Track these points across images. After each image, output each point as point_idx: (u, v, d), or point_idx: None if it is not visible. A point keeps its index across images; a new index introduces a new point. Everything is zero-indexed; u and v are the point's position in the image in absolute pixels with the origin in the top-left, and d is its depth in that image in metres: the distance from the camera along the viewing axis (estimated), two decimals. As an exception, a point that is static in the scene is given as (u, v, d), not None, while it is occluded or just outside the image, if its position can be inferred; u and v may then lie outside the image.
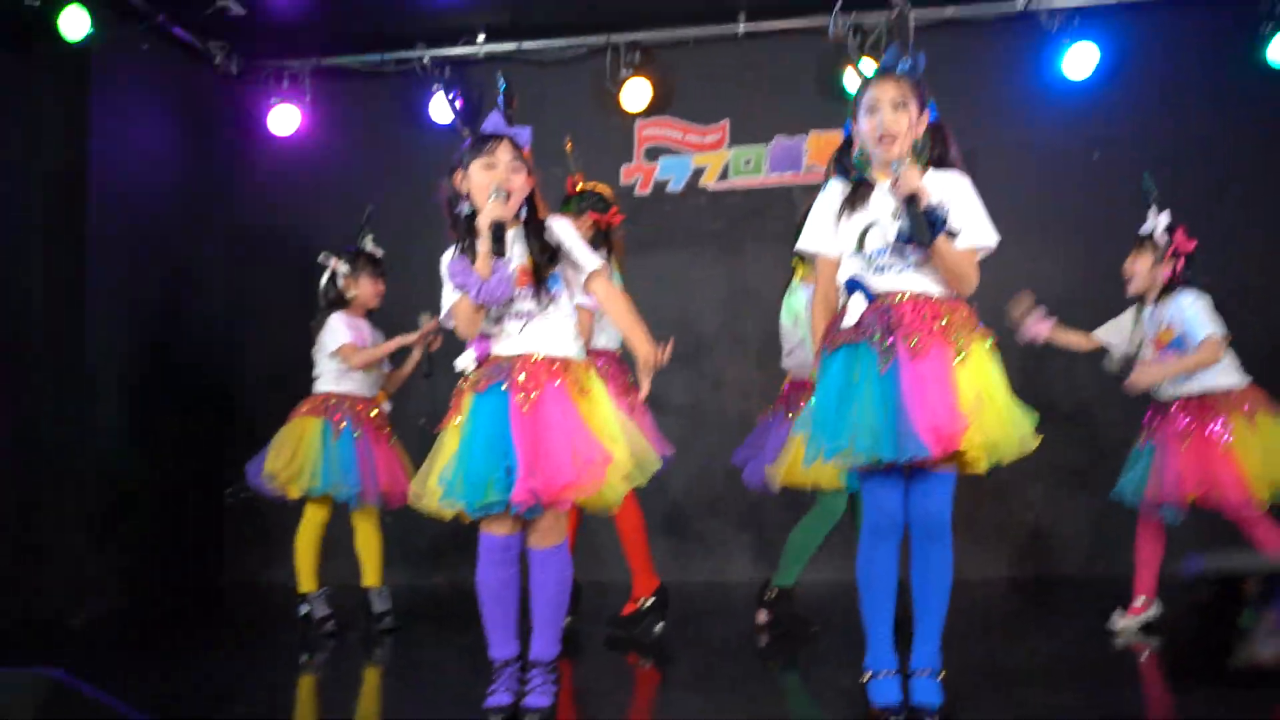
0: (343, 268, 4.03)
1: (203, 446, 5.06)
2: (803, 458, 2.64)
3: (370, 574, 4.03)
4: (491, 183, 2.62)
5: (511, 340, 2.67)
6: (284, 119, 5.24)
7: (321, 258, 4.07)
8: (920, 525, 2.54)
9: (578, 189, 3.79)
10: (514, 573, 2.70)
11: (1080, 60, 4.73)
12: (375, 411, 4.00)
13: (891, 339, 2.48)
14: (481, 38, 5.18)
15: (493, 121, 2.73)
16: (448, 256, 2.68)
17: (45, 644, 3.82)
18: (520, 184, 2.67)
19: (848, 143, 2.68)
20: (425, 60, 5.18)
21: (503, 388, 2.62)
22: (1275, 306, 4.38)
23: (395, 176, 5.31)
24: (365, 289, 4.03)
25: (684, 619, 4.06)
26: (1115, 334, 3.70)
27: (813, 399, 2.59)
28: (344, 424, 3.90)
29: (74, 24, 4.17)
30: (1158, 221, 3.56)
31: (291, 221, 5.04)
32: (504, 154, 2.66)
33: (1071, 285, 4.76)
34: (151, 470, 4.70)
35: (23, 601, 4.10)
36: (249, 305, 5.28)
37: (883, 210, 2.56)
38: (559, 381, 2.61)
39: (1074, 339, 3.76)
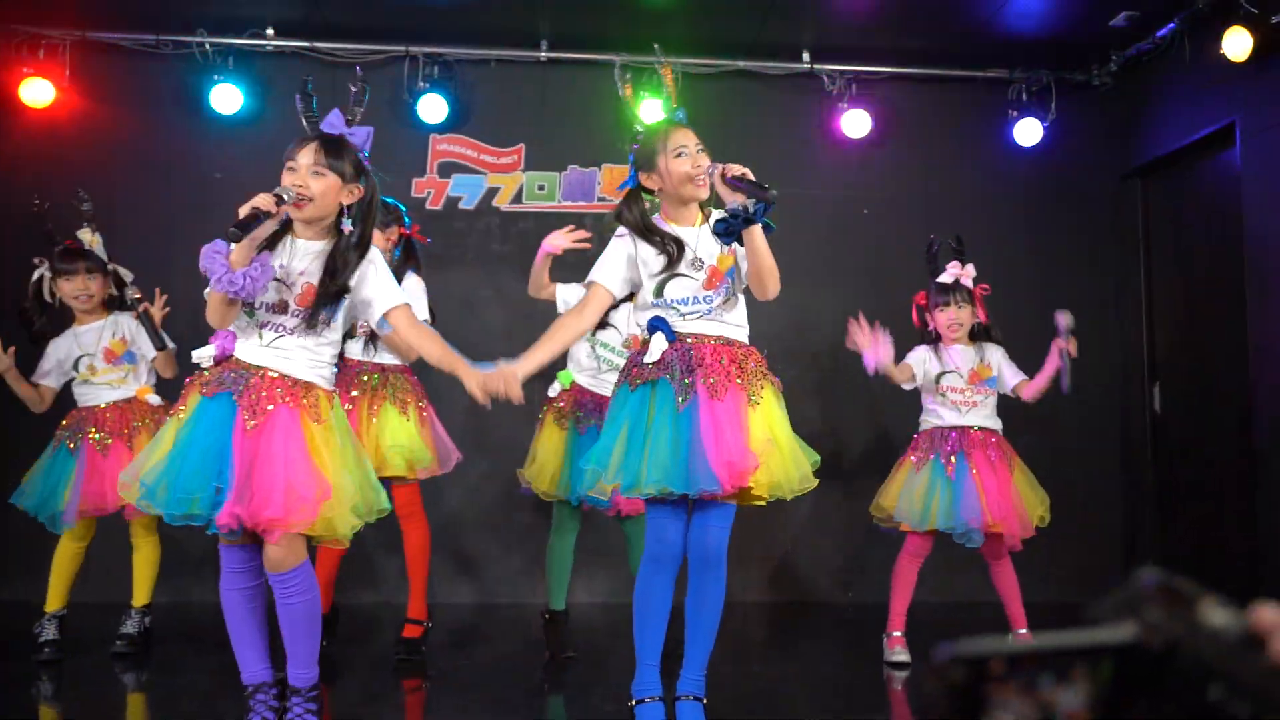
0: (47, 271, 3.71)
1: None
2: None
3: (136, 591, 3.75)
4: (289, 185, 2.52)
5: (257, 349, 2.53)
6: (36, 91, 4.77)
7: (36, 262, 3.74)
8: (699, 555, 2.62)
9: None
10: (258, 585, 2.57)
11: (855, 122, 5.08)
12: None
13: (691, 378, 2.56)
14: (270, 31, 4.93)
15: (330, 120, 2.65)
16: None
17: None
18: (319, 190, 2.54)
19: (635, 193, 2.73)
20: (206, 46, 4.88)
21: (233, 399, 2.48)
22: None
23: (160, 164, 4.96)
24: (63, 289, 3.69)
25: (455, 642, 3.99)
26: (919, 368, 3.83)
27: (604, 431, 2.64)
28: (81, 439, 3.60)
29: None
30: (966, 270, 3.80)
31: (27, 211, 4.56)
32: (306, 156, 2.56)
33: (840, 329, 5.09)
34: None
35: None
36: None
37: (682, 261, 2.65)
38: (293, 405, 2.49)
39: (896, 371, 3.79)
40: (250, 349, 2.55)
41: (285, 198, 2.48)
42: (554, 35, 5.03)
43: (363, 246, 2.61)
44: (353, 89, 2.78)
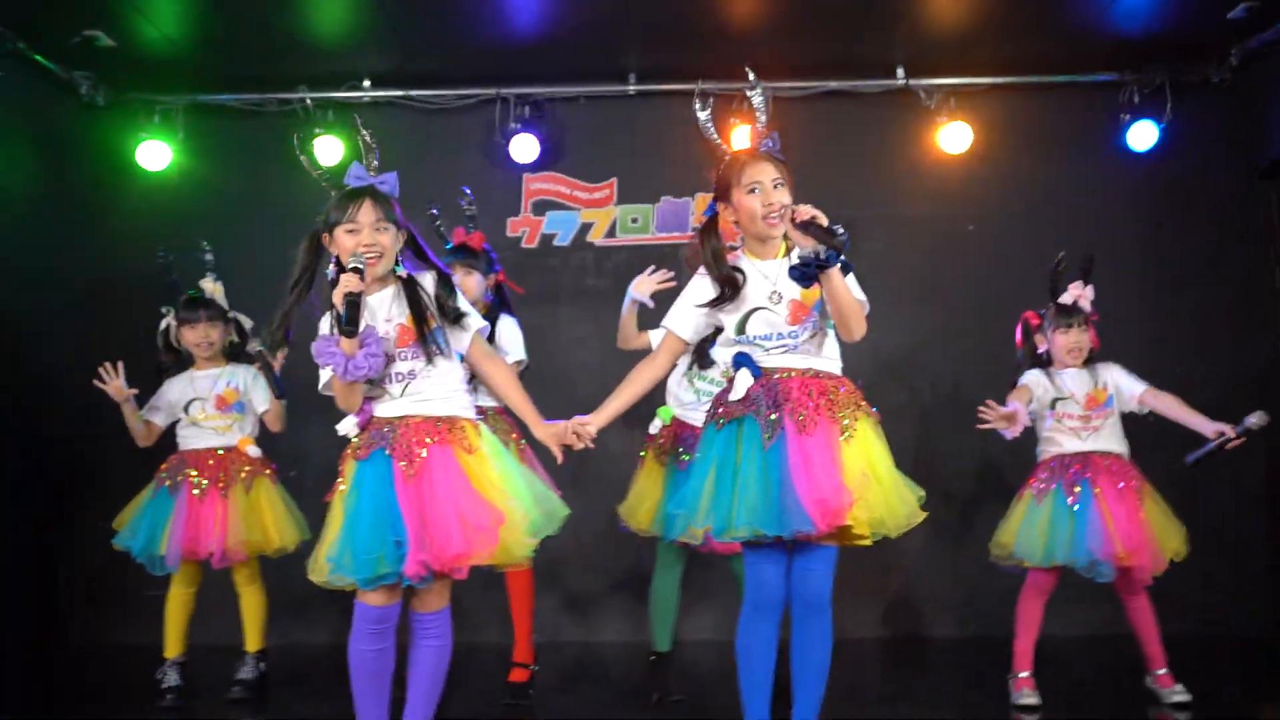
0: (170, 320, 3.88)
1: (41, 504, 4.70)
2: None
3: (247, 637, 3.84)
4: (355, 248, 2.51)
5: (393, 402, 2.57)
6: (154, 154, 5.00)
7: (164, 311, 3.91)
8: (802, 602, 2.52)
9: (468, 244, 3.71)
10: (389, 645, 2.56)
11: (956, 137, 4.91)
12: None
13: (778, 413, 2.47)
14: (367, 83, 5.07)
15: (353, 173, 2.62)
16: (323, 326, 2.57)
17: None
18: (387, 244, 2.56)
19: (713, 223, 2.66)
20: (308, 102, 5.04)
21: (385, 453, 2.51)
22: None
23: (274, 218, 5.09)
24: (185, 338, 3.84)
25: (562, 684, 3.95)
26: (1035, 391, 3.60)
27: (692, 473, 2.56)
28: (181, 482, 3.71)
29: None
30: (1085, 292, 3.61)
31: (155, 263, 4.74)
32: (366, 214, 2.54)
33: (949, 350, 4.91)
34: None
35: None
36: (103, 353, 4.95)
37: (762, 294, 2.57)
38: (442, 443, 2.51)
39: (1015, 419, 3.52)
40: (387, 406, 2.57)
41: (361, 266, 2.49)
42: (641, 67, 5.03)
43: (429, 258, 2.67)
44: (364, 139, 2.74)
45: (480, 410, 3.62)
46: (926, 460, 4.81)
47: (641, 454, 3.76)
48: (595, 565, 4.89)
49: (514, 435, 3.67)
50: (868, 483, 2.46)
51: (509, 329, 3.69)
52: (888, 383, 4.90)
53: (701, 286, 2.64)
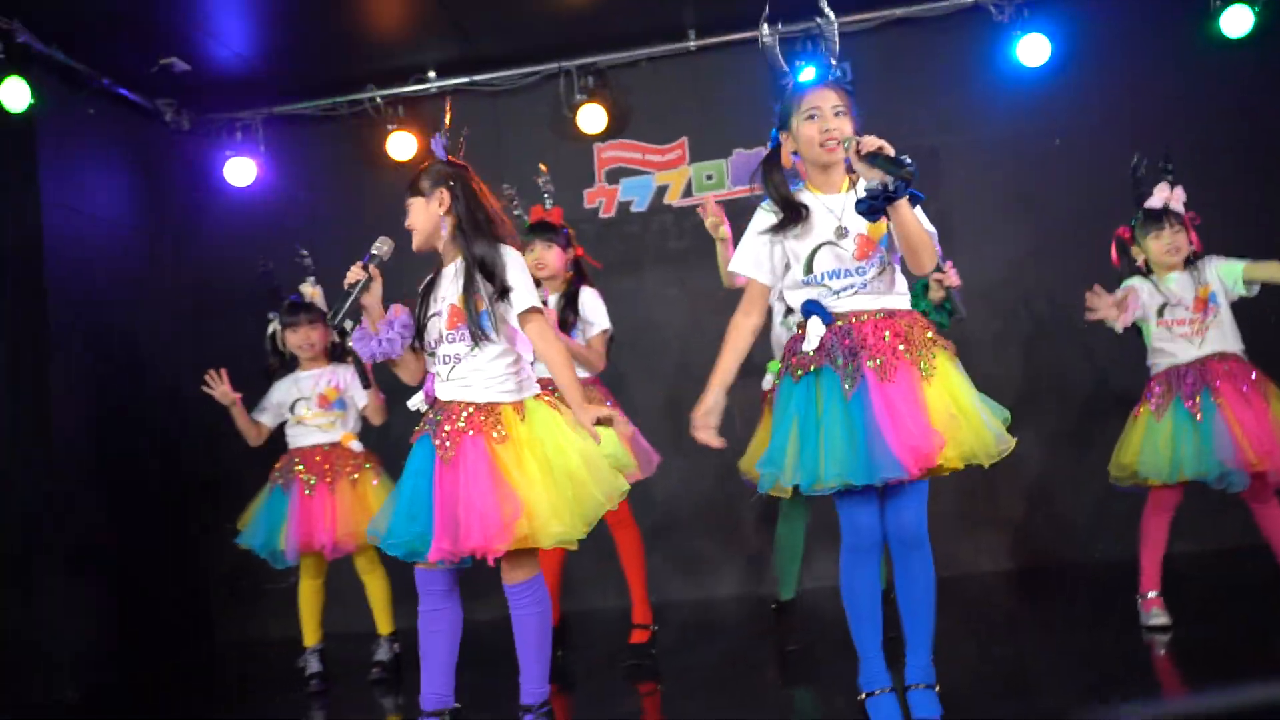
0: (275, 325, 4.06)
1: (180, 511, 4.99)
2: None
3: (377, 621, 4.01)
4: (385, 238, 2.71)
5: (442, 385, 2.66)
6: (240, 171, 5.19)
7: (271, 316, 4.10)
8: (899, 539, 2.51)
9: (547, 220, 3.76)
10: (444, 607, 2.65)
11: (1033, 49, 4.71)
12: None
13: (855, 361, 2.44)
14: (433, 74, 5.14)
15: (432, 147, 2.77)
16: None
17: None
18: (411, 218, 2.69)
19: (775, 154, 2.61)
20: (377, 100, 5.14)
21: (430, 438, 2.61)
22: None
23: (355, 218, 5.25)
24: (289, 341, 4.01)
25: (683, 641, 4.01)
26: (1142, 295, 3.48)
27: (774, 430, 2.54)
28: (292, 479, 3.88)
29: (14, 96, 4.09)
30: (1174, 194, 3.47)
31: (252, 274, 4.93)
32: (410, 196, 2.70)
33: (1045, 271, 4.76)
34: (130, 541, 4.61)
35: (20, 684, 3.99)
36: (215, 362, 5.19)
37: (827, 229, 2.52)
38: (477, 432, 2.57)
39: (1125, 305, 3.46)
40: (439, 388, 2.68)
41: (375, 252, 2.67)
42: (700, 22, 4.96)
43: (482, 233, 2.66)
44: (446, 120, 2.84)
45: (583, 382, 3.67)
46: (1031, 387, 4.70)
47: (761, 410, 3.67)
48: (705, 523, 4.93)
49: (606, 405, 3.71)
50: (955, 420, 2.41)
51: (591, 300, 3.74)
52: (985, 310, 4.77)
53: (762, 217, 2.59)
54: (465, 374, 2.63)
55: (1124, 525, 3.85)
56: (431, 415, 2.66)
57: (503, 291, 2.62)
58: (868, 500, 2.48)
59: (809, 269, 2.52)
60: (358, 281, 2.61)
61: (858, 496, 2.47)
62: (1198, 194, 3.54)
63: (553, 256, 3.71)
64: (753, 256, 2.60)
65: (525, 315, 2.64)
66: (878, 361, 2.42)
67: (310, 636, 3.95)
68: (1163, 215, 3.45)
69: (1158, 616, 3.41)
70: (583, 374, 3.69)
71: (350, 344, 2.79)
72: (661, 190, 5.11)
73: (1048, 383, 4.70)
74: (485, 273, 2.61)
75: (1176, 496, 3.44)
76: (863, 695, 2.55)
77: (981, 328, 4.76)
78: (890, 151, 2.32)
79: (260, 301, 4.19)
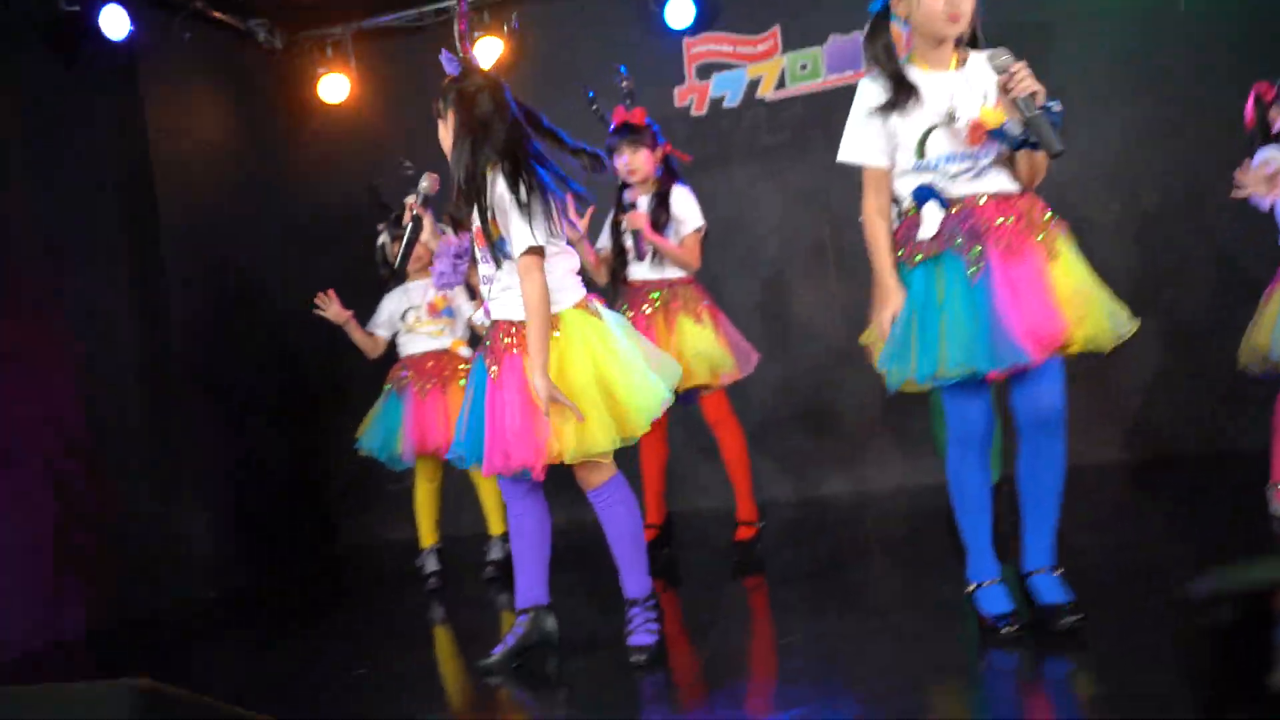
0: (384, 238, 4.14)
1: (300, 425, 5.20)
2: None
3: (489, 521, 4.13)
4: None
5: (490, 303, 2.70)
6: (333, 87, 5.24)
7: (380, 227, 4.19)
8: (1032, 419, 2.39)
9: (630, 122, 3.68)
10: (530, 511, 2.75)
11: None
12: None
13: (980, 245, 2.33)
14: (515, -26, 5.05)
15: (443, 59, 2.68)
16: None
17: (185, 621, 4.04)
18: (444, 145, 2.64)
19: (883, 21, 2.43)
20: (463, 6, 5.08)
21: (484, 357, 2.67)
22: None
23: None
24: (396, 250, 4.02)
25: (789, 539, 4.03)
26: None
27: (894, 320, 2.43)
28: (405, 385, 3.99)
29: (114, 23, 4.17)
30: None
31: (355, 190, 5.01)
32: (442, 110, 2.66)
33: (1166, 149, 4.48)
34: (257, 453, 4.85)
35: (160, 584, 4.28)
36: (324, 278, 5.32)
37: (938, 109, 2.37)
38: (518, 351, 2.57)
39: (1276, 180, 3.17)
40: (489, 306, 2.71)
41: (421, 190, 2.84)
42: (790, -99, 4.73)
43: (481, 151, 2.54)
44: (460, 22, 2.81)
45: (669, 283, 3.65)
46: (1150, 271, 4.47)
47: None
48: (805, 422, 4.89)
49: (707, 306, 3.69)
50: (1081, 300, 2.31)
51: (683, 198, 3.69)
52: (1102, 192, 4.54)
53: (870, 91, 2.43)
54: (499, 293, 2.63)
55: (1254, 416, 3.67)
56: (486, 333, 2.73)
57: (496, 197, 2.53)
58: (980, 391, 2.40)
59: (920, 152, 2.39)
60: (409, 225, 2.71)
61: (970, 387, 2.39)
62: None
63: (641, 159, 3.65)
64: (866, 141, 2.44)
65: (520, 258, 2.53)
66: (1004, 244, 2.32)
67: (427, 538, 4.11)
68: None
69: None
70: (678, 273, 3.68)
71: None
72: (754, 84, 4.95)
73: (1169, 266, 4.46)
74: (476, 199, 2.55)
75: None
76: (971, 587, 2.52)
77: (1101, 210, 4.53)
78: (1042, 99, 2.24)
79: (367, 214, 4.27)
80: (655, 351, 2.74)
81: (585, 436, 2.50)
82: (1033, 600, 2.45)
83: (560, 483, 2.87)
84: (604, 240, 3.79)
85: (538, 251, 2.52)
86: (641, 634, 2.68)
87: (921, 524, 3.85)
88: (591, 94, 3.82)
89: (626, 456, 3.04)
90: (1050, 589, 2.42)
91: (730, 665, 2.66)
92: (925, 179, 2.41)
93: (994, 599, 2.49)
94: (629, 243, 3.70)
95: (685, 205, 3.68)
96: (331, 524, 5.38)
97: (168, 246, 4.50)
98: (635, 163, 3.64)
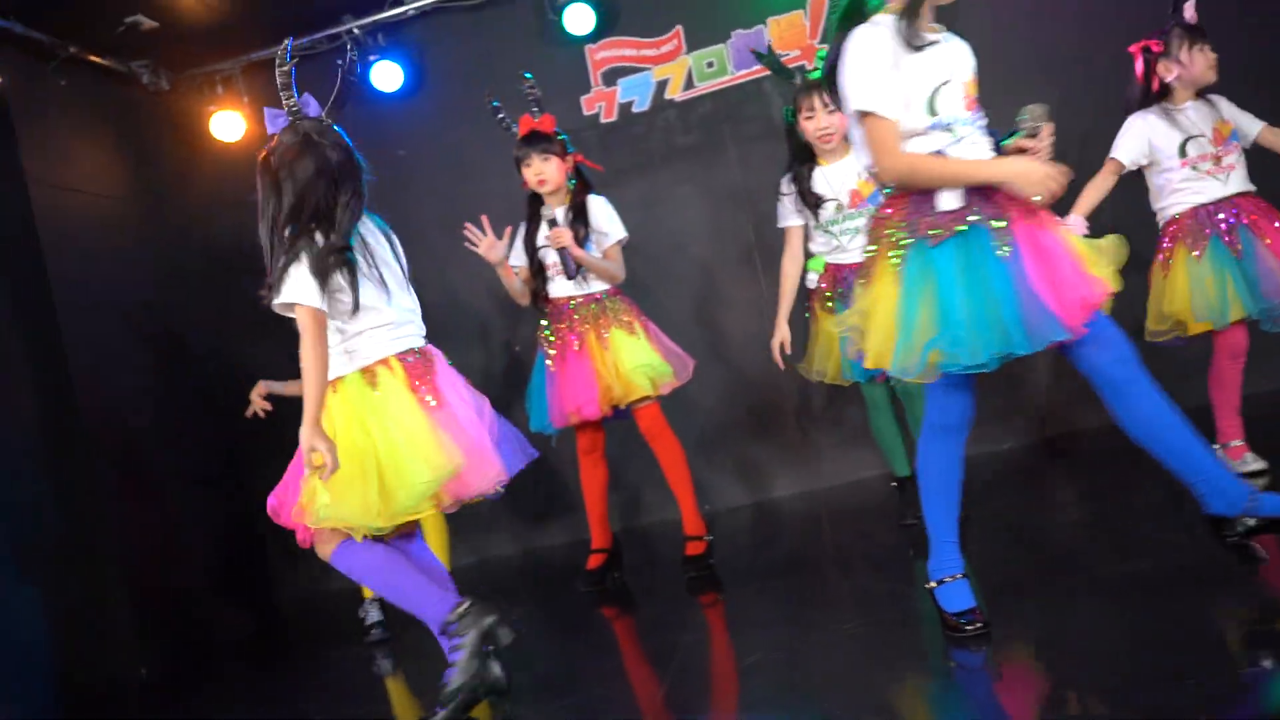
0: None
1: (226, 471, 4.96)
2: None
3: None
4: None
5: None
6: (226, 125, 5.02)
7: None
8: (1120, 378, 2.22)
9: (538, 130, 3.53)
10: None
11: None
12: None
13: (1004, 216, 2.19)
14: (408, -4, 4.90)
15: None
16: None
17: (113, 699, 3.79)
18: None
19: None
20: (355, 31, 4.91)
21: None
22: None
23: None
24: None
25: (742, 547, 3.93)
26: (1146, 142, 3.27)
27: (905, 300, 2.21)
28: None
29: (-22, 74, 3.94)
30: (1188, 3, 3.21)
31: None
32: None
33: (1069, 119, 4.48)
34: (178, 504, 4.60)
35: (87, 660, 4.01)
36: (228, 323, 5.07)
37: (945, 67, 2.23)
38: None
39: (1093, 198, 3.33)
40: None
41: None
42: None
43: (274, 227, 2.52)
44: (279, 76, 2.70)
45: (594, 298, 3.54)
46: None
47: (805, 314, 3.59)
48: (749, 427, 4.81)
49: (636, 316, 3.58)
50: (1094, 254, 2.27)
51: (601, 208, 3.58)
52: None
53: (872, 38, 2.21)
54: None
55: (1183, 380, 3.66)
56: None
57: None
58: (970, 380, 2.29)
59: (932, 109, 2.21)
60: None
61: (956, 378, 2.26)
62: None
63: (551, 168, 3.52)
64: (886, 90, 2.18)
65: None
66: (1023, 211, 2.21)
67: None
68: (1200, 30, 3.20)
69: (1251, 462, 3.21)
70: (603, 285, 3.56)
71: None
72: (662, 85, 4.86)
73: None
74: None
75: (1243, 338, 3.22)
76: (933, 583, 2.43)
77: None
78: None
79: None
80: (429, 437, 2.45)
81: (340, 504, 2.36)
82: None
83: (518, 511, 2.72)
84: (518, 258, 3.64)
85: (307, 311, 2.38)
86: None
87: (873, 521, 3.78)
88: (496, 103, 3.68)
89: (569, 480, 2.93)
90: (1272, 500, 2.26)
91: (693, 694, 2.53)
92: (939, 142, 2.23)
93: (957, 595, 2.39)
94: (548, 259, 3.58)
95: (605, 216, 3.58)
96: (269, 578, 5.14)
97: (60, 298, 4.15)
98: (546, 172, 3.51)
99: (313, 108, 2.67)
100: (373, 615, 3.89)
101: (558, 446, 3.68)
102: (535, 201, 3.60)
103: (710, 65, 4.81)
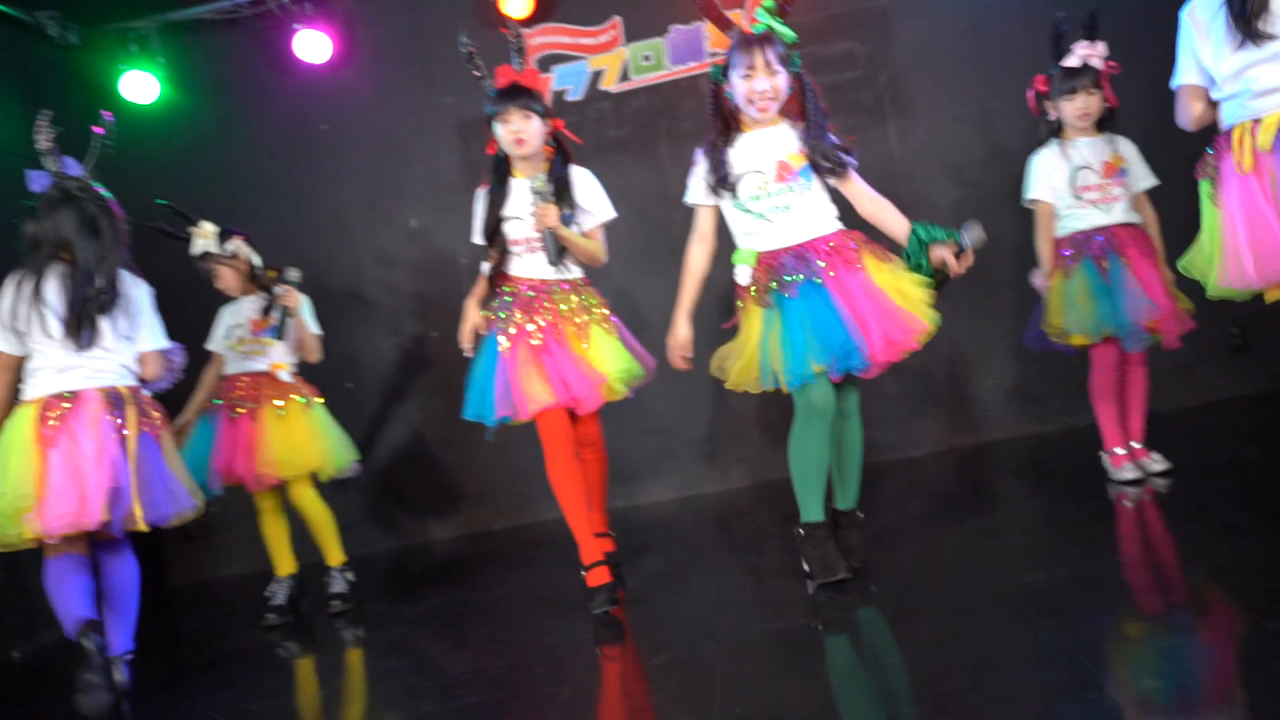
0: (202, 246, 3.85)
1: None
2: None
3: (327, 554, 3.83)
4: None
5: None
6: (138, 86, 4.79)
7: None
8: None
9: (520, 84, 3.09)
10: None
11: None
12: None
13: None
14: (339, -35, 4.73)
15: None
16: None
17: None
18: None
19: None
20: (282, -1, 4.74)
21: None
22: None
23: (265, 128, 4.91)
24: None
25: (631, 551, 3.89)
26: (1051, 181, 3.49)
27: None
28: (220, 407, 3.74)
29: None
30: (1095, 50, 3.39)
31: (166, 194, 4.54)
32: None
33: (999, 135, 4.55)
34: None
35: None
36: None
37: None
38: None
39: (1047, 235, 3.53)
40: None
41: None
42: (623, -112, 4.59)
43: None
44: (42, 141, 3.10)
45: (575, 285, 3.16)
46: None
47: (739, 307, 2.96)
48: (675, 425, 4.78)
49: (605, 310, 3.22)
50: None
51: (588, 182, 3.18)
52: (946, 179, 4.58)
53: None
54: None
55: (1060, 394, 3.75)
56: None
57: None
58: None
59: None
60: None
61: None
62: (1141, 43, 3.33)
63: (534, 128, 3.04)
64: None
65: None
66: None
67: (282, 566, 3.81)
68: (1078, 74, 3.39)
69: (1128, 471, 3.42)
70: (579, 272, 3.20)
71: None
72: (597, 76, 4.80)
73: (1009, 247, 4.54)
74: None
75: (1115, 354, 3.44)
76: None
77: (942, 195, 4.59)
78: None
79: (170, 224, 3.88)
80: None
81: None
82: None
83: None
84: (479, 233, 3.19)
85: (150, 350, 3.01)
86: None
87: (775, 522, 3.78)
88: (464, 39, 3.20)
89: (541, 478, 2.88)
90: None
91: (597, 696, 2.48)
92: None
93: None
94: (517, 234, 3.10)
95: (592, 191, 3.17)
96: (162, 561, 4.94)
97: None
98: (527, 131, 3.02)
99: (74, 169, 3.04)
100: (279, 596, 3.79)
101: (494, 441, 3.41)
102: (502, 168, 3.15)
103: (647, 59, 4.77)
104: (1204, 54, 2.43)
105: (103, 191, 3.01)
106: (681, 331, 2.99)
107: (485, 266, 3.22)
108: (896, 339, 2.70)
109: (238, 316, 3.84)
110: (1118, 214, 3.42)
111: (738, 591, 3.17)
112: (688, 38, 4.73)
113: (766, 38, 2.78)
